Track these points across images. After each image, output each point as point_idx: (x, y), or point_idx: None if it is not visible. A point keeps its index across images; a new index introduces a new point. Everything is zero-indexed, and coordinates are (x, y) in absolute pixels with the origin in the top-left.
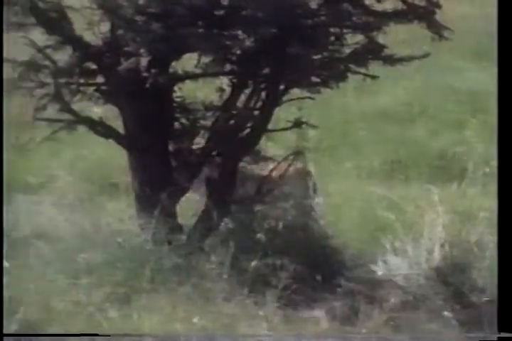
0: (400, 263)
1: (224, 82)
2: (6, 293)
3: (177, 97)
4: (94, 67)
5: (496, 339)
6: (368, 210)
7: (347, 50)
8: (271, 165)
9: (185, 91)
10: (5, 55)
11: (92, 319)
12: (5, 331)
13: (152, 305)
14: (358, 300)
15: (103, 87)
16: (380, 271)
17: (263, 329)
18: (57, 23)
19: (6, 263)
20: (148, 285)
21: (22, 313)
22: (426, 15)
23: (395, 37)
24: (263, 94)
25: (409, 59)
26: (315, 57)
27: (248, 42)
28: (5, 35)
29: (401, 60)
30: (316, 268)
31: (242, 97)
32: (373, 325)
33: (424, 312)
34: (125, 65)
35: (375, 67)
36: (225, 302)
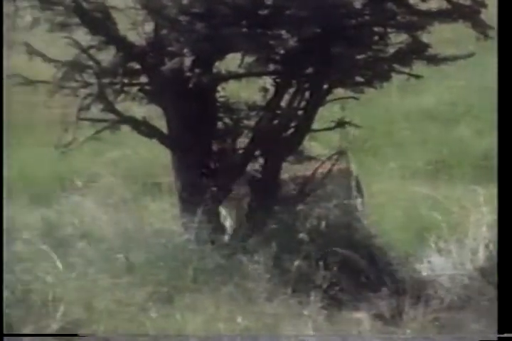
0: (445, 264)
1: (267, 81)
2: (49, 292)
3: (220, 97)
4: (137, 67)
5: (496, 339)
6: (412, 210)
7: (391, 50)
8: (314, 165)
9: (229, 91)
10: (49, 55)
11: (135, 318)
12: (48, 331)
13: (195, 305)
14: (403, 300)
15: (147, 87)
16: (424, 271)
17: (307, 329)
18: (101, 24)
19: (59, 264)
20: (191, 285)
21: (63, 312)
22: (471, 15)
23: (440, 36)
24: (307, 93)
25: (454, 58)
26: (359, 56)
27: (292, 42)
28: (49, 35)
29: (445, 59)
30: (360, 268)
31: (286, 97)
32: (418, 325)
33: (469, 313)
34: (169, 64)
35: (419, 67)
36: (268, 302)
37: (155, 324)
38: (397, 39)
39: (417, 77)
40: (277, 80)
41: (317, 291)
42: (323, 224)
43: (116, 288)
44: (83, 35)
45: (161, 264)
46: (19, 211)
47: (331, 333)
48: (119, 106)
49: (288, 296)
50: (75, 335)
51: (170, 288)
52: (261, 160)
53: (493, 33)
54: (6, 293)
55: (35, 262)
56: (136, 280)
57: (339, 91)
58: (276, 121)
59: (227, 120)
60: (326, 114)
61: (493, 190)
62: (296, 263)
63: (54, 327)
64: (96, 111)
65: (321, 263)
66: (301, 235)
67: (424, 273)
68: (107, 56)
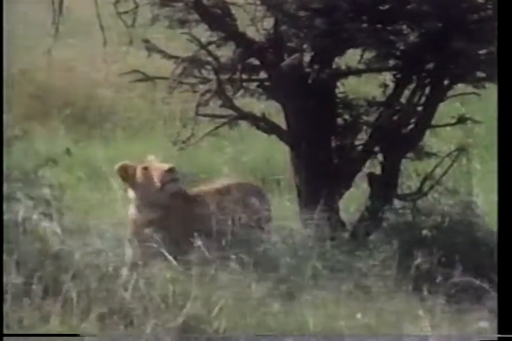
0: None
1: (387, 77)
2: (169, 289)
3: (340, 93)
4: (257, 63)
5: (496, 339)
6: None
7: None
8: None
9: (348, 87)
10: (168, 51)
11: (255, 315)
12: (171, 324)
13: (315, 302)
14: None
15: (266, 83)
16: None
17: (426, 328)
18: (220, 20)
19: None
20: (310, 282)
21: (188, 308)
22: None
23: None
24: (427, 89)
25: None
26: (480, 51)
27: (412, 37)
28: (168, 32)
29: None
30: (481, 266)
31: (406, 93)
32: None
33: None
34: (288, 60)
35: None
36: (389, 300)
37: (275, 320)
38: None
39: None
40: (397, 76)
41: (438, 289)
42: (447, 221)
43: (237, 284)
44: (202, 32)
45: (281, 261)
46: None
47: (451, 331)
48: (238, 102)
49: (408, 294)
50: (76, 335)
51: (290, 285)
52: (380, 157)
53: None
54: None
55: (154, 259)
56: (256, 276)
57: (460, 87)
58: (395, 117)
59: (346, 116)
60: (447, 109)
61: None
62: (418, 260)
63: (177, 321)
64: (215, 107)
65: (443, 260)
66: (424, 232)
67: None
68: (226, 52)
